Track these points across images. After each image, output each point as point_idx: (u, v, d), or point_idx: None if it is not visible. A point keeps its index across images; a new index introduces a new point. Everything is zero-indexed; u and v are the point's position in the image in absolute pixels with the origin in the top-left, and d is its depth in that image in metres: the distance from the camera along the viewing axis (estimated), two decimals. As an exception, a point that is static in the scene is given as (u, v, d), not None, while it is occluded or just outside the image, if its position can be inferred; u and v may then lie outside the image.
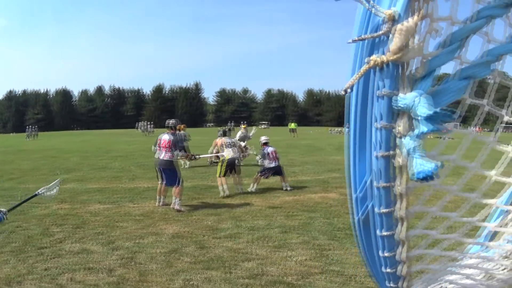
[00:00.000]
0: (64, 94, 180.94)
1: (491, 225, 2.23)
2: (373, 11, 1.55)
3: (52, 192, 7.13)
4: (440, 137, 1.67)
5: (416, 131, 1.51)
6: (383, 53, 1.55)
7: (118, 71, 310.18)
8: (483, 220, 2.29)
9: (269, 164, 18.00)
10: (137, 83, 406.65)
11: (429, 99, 1.48)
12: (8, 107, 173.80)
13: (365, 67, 1.59)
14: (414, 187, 1.71)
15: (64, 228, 11.63)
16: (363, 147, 1.81)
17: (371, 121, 1.69)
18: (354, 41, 1.67)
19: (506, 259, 2.50)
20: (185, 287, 7.81)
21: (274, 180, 18.70)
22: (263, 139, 19.19)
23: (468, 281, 2.49)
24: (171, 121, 15.09)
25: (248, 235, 10.92)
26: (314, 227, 11.80)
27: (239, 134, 27.88)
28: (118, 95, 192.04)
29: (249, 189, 17.58)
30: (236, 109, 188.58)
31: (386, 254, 1.93)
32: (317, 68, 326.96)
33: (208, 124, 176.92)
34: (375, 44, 1.62)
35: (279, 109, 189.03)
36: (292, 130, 73.69)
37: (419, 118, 1.46)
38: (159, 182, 14.64)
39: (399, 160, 1.64)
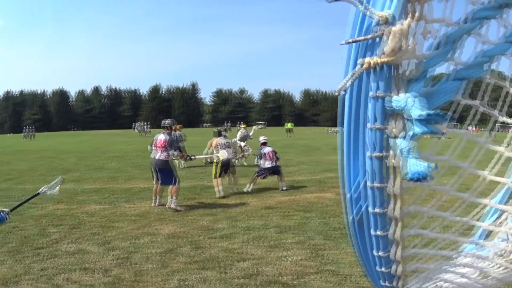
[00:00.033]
0: (61, 95, 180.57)
1: (485, 224, 2.25)
2: (367, 14, 1.57)
3: (54, 190, 7.18)
4: (438, 137, 1.69)
5: (410, 132, 1.53)
6: (376, 55, 1.57)
7: (115, 72, 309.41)
8: (478, 219, 2.31)
9: (266, 164, 18.00)
10: (133, 84, 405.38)
11: (422, 100, 1.49)
12: (5, 108, 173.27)
13: (358, 68, 1.61)
14: (408, 187, 1.73)
15: (60, 228, 11.67)
16: (356, 148, 1.82)
17: (364, 122, 1.70)
18: (347, 42, 1.69)
19: (500, 258, 2.53)
20: (180, 287, 7.85)
21: (270, 180, 18.74)
22: (261, 139, 19.27)
23: (463, 280, 2.51)
24: (167, 121, 15.17)
25: (243, 235, 10.94)
26: (310, 227, 11.82)
27: (239, 134, 27.68)
28: (115, 95, 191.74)
29: (245, 189, 17.60)
30: (232, 110, 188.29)
31: (380, 254, 1.95)
32: (314, 68, 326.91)
33: (205, 125, 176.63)
34: (368, 46, 1.63)
35: (276, 109, 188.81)
36: (289, 130, 73.63)
37: (412, 119, 1.47)
38: (155, 182, 14.71)
39: (392, 161, 1.66)
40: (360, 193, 1.89)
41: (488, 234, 2.63)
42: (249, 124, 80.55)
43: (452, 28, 1.64)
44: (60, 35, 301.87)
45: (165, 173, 14.44)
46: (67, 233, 11.16)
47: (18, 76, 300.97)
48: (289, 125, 78.33)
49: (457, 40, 1.64)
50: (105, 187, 18.68)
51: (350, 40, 1.66)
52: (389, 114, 1.60)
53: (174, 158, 15.06)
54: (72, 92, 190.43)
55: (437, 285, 2.55)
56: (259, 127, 72.71)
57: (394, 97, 1.55)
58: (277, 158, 18.67)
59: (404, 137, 1.54)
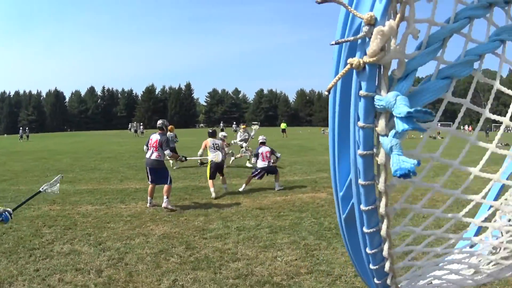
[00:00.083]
0: (56, 95, 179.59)
1: (476, 221, 2.25)
2: (354, 13, 1.61)
3: (54, 188, 7.25)
4: (434, 137, 1.74)
5: (392, 131, 1.57)
6: (363, 55, 1.61)
7: (110, 72, 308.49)
8: (472, 216, 2.34)
9: (260, 164, 18.06)
10: (128, 84, 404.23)
11: (404, 99, 1.49)
12: (1, 109, 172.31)
13: (345, 68, 1.67)
14: (397, 184, 1.77)
15: (54, 229, 11.66)
16: (346, 146, 1.84)
17: (353, 120, 1.72)
18: (336, 43, 1.75)
19: (492, 254, 2.58)
20: (172, 288, 7.90)
21: (264, 181, 18.76)
22: (260, 138, 19.33)
23: (455, 277, 2.53)
24: (159, 121, 15.30)
25: (236, 236, 10.97)
26: (303, 227, 11.85)
27: (239, 134, 27.53)
28: (110, 96, 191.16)
29: (240, 189, 17.67)
30: (227, 110, 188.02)
31: (371, 251, 1.97)
32: (308, 68, 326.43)
33: (200, 125, 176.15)
34: (356, 46, 1.64)
35: (270, 110, 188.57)
36: (283, 131, 73.48)
37: (397, 116, 1.51)
38: (149, 182, 14.76)
39: (381, 158, 1.68)
40: (351, 191, 1.91)
41: (479, 231, 2.67)
42: (245, 124, 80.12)
43: (438, 28, 1.69)
44: (55, 36, 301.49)
45: (157, 172, 14.55)
46: (61, 234, 11.16)
47: (14, 77, 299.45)
48: (282, 125, 78.18)
49: (444, 39, 1.68)
50: (99, 188, 18.64)
51: (338, 41, 1.70)
52: (378, 112, 1.62)
53: (168, 158, 15.14)
54: (67, 92, 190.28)
55: (431, 283, 2.57)
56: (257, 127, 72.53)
57: (377, 96, 1.58)
58: (276, 158, 18.77)
59: (391, 135, 1.57)
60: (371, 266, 2.06)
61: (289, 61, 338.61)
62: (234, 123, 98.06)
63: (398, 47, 1.55)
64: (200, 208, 14.30)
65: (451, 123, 1.94)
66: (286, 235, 10.99)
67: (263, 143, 18.78)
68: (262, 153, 18.11)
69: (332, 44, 1.76)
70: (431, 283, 2.59)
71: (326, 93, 1.78)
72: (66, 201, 15.45)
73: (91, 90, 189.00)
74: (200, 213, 13.61)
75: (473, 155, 2.04)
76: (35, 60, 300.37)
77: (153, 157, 14.47)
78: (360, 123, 1.66)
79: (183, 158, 16.23)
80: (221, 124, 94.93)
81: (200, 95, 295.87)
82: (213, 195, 16.24)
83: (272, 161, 18.32)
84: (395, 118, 1.51)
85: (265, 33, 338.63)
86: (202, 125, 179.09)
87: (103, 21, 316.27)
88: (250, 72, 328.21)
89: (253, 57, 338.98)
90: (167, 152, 14.46)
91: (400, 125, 1.49)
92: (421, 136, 1.79)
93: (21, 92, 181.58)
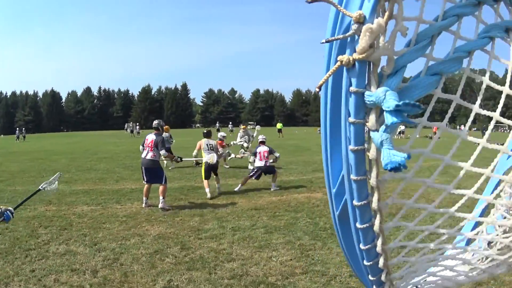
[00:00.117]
0: (53, 96, 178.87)
1: (469, 216, 2.25)
2: (343, 12, 1.62)
3: (53, 186, 7.26)
4: (431, 137, 1.74)
5: (383, 126, 1.58)
6: (353, 53, 1.61)
7: (106, 72, 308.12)
8: (469, 212, 2.33)
9: (257, 163, 18.15)
10: (124, 84, 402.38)
11: (393, 94, 1.50)
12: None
13: (335, 66, 1.67)
14: (390, 179, 1.77)
15: (50, 229, 11.65)
16: (338, 142, 1.86)
17: (344, 116, 1.73)
18: (326, 41, 1.75)
19: (487, 250, 2.58)
20: (167, 288, 7.90)
21: (260, 181, 18.75)
22: (260, 137, 19.38)
23: (450, 273, 2.53)
24: (155, 122, 15.36)
25: (231, 236, 10.97)
26: (298, 227, 11.86)
27: (239, 135, 27.32)
28: (106, 96, 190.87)
29: (235, 189, 17.72)
30: (223, 110, 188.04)
31: (365, 247, 1.98)
32: (305, 68, 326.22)
33: (196, 125, 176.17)
34: (346, 44, 1.66)
35: (266, 110, 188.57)
36: (279, 131, 73.49)
37: (386, 110, 1.51)
38: (144, 182, 14.79)
39: (372, 153, 1.69)
40: (343, 187, 1.92)
41: (476, 227, 2.67)
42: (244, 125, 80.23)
43: (427, 25, 1.69)
44: (51, 36, 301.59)
45: (152, 172, 14.59)
46: (56, 235, 11.15)
47: (10, 77, 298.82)
48: (278, 125, 78.24)
49: (433, 37, 1.69)
50: (94, 188, 18.62)
51: (329, 39, 1.71)
52: (369, 109, 1.64)
53: (163, 159, 15.16)
54: (64, 93, 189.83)
55: (426, 280, 2.57)
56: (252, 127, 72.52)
57: (367, 92, 1.58)
58: (275, 158, 18.81)
59: (381, 130, 1.57)
60: (365, 263, 2.07)
61: (285, 61, 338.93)
62: (230, 123, 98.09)
63: (387, 44, 1.56)
64: (196, 208, 14.30)
65: (447, 123, 1.94)
66: (281, 235, 10.99)
67: (262, 143, 18.80)
68: (260, 152, 18.17)
69: (323, 43, 1.77)
70: (426, 280, 2.60)
71: (317, 89, 1.79)
72: (62, 201, 15.45)
73: (88, 90, 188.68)
74: (196, 213, 13.61)
75: (470, 155, 2.02)
76: (32, 61, 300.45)
77: (149, 157, 14.52)
78: (351, 119, 1.67)
79: (179, 159, 16.24)
80: (217, 124, 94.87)
81: (196, 95, 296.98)
82: (208, 195, 16.23)
83: (271, 160, 18.37)
84: (384, 113, 1.52)
85: (262, 33, 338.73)
86: (198, 125, 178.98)
87: (100, 22, 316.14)
88: (246, 72, 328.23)
89: (249, 57, 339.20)
90: (162, 152, 14.49)
91: (389, 118, 1.50)
92: (417, 136, 1.79)
93: (18, 92, 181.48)
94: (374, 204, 1.81)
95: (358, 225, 1.91)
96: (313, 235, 11.02)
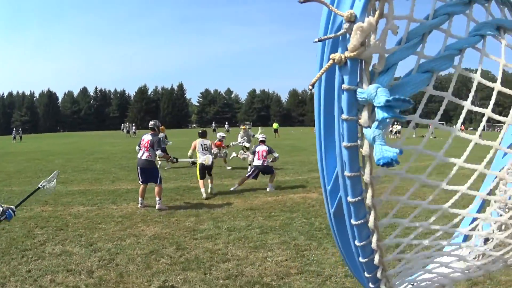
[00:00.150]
0: (49, 96, 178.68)
1: (463, 212, 2.25)
2: (335, 11, 1.63)
3: (51, 184, 7.32)
4: (423, 136, 1.74)
5: (375, 122, 1.59)
6: (345, 51, 1.63)
7: (102, 72, 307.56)
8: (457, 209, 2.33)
9: (255, 162, 18.24)
10: (121, 85, 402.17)
11: (385, 90, 1.52)
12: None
13: (327, 64, 1.69)
14: (382, 175, 1.78)
15: (46, 230, 11.67)
16: (332, 139, 1.86)
17: (337, 113, 1.74)
18: (319, 40, 1.77)
19: (483, 247, 2.58)
20: (163, 288, 7.90)
21: (256, 181, 18.75)
22: (260, 137, 19.54)
23: (446, 270, 2.52)
24: (151, 122, 15.37)
25: (227, 236, 10.98)
26: (294, 227, 11.86)
27: (240, 135, 27.12)
28: (103, 96, 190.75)
29: (232, 188, 17.81)
30: (219, 110, 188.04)
31: (360, 244, 1.98)
32: (301, 68, 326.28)
33: (192, 125, 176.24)
34: (338, 43, 1.68)
35: (263, 110, 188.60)
36: (275, 131, 73.58)
37: (378, 106, 1.52)
38: (140, 182, 14.81)
39: (365, 150, 1.70)
40: (338, 184, 1.93)
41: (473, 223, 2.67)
42: (237, 124, 79.83)
43: (417, 24, 1.71)
44: (48, 36, 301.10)
45: (148, 172, 14.64)
46: (52, 235, 11.16)
47: (7, 78, 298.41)
48: (274, 125, 78.32)
49: (424, 35, 1.70)
50: (91, 189, 18.65)
51: (321, 38, 1.72)
52: (361, 106, 1.64)
53: (158, 159, 15.19)
54: (60, 93, 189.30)
55: (422, 277, 2.58)
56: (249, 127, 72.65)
57: (359, 90, 1.60)
58: (274, 158, 18.94)
59: (373, 126, 1.58)
60: (361, 259, 2.07)
61: (281, 61, 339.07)
62: (227, 123, 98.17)
63: (378, 42, 1.57)
64: (191, 209, 14.33)
65: (444, 122, 1.94)
66: (276, 236, 11.00)
67: (262, 142, 18.89)
68: (258, 152, 18.26)
69: (315, 42, 1.78)
70: (422, 277, 2.60)
71: (310, 87, 1.80)
72: (58, 202, 15.48)
73: (84, 90, 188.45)
74: (191, 213, 13.63)
75: (472, 155, 2.02)
76: (28, 61, 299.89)
77: (144, 157, 14.58)
78: (344, 116, 1.68)
79: (174, 160, 16.26)
80: (213, 125, 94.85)
81: (193, 96, 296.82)
82: (204, 195, 16.26)
83: (270, 160, 18.47)
84: (376, 109, 1.53)
85: (258, 33, 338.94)
86: (194, 125, 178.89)
87: (96, 22, 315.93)
88: (243, 72, 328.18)
89: (245, 57, 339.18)
90: (158, 152, 14.51)
91: (380, 114, 1.51)
92: (414, 136, 1.80)
93: (14, 93, 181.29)
94: (368, 200, 1.82)
95: (353, 222, 1.92)
96: (309, 235, 11.02)
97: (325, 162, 2.03)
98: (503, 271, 7.93)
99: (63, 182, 20.07)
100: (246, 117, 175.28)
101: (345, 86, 1.63)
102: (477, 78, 1.89)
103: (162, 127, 22.99)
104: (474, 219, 2.64)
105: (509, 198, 2.44)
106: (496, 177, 2.54)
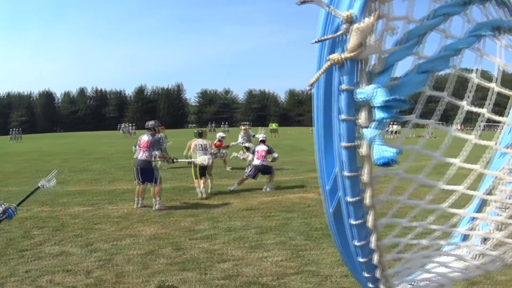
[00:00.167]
0: (47, 96, 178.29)
1: (461, 211, 2.25)
2: (332, 13, 1.64)
3: (51, 183, 7.30)
4: (421, 136, 1.74)
5: (374, 123, 1.59)
6: (343, 52, 1.64)
7: (100, 73, 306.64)
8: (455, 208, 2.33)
9: (255, 161, 18.25)
10: (119, 85, 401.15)
11: (384, 91, 1.54)
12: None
13: (326, 64, 1.69)
14: (381, 175, 1.78)
15: (44, 230, 11.67)
16: (331, 140, 1.88)
17: (336, 114, 1.75)
18: (317, 41, 1.77)
19: (482, 246, 2.59)
20: (160, 289, 7.89)
21: (254, 181, 18.70)
22: (260, 136, 19.56)
23: (445, 269, 2.54)
24: (150, 122, 15.33)
25: (224, 236, 10.97)
26: (291, 227, 11.85)
27: (240, 136, 27.22)
28: (100, 96, 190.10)
29: (231, 188, 17.79)
30: (217, 110, 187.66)
31: (359, 243, 1.98)
32: (299, 68, 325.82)
33: (190, 125, 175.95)
34: (336, 44, 1.69)
35: (261, 110, 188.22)
36: (274, 131, 73.42)
37: (376, 106, 1.52)
38: (137, 183, 14.79)
39: (364, 150, 1.70)
40: (336, 184, 1.94)
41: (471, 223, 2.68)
42: (236, 124, 79.66)
43: (415, 25, 1.71)
44: (46, 36, 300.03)
45: (146, 172, 14.58)
46: (50, 235, 11.17)
47: (5, 78, 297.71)
48: (273, 126, 78.23)
49: (421, 36, 1.70)
50: (88, 189, 18.65)
51: (320, 39, 1.73)
52: (359, 106, 1.65)
53: (156, 159, 15.16)
54: (58, 93, 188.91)
55: (421, 277, 2.58)
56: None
57: (357, 90, 1.60)
58: (274, 158, 18.91)
59: (372, 126, 1.58)
60: (360, 259, 2.08)
61: (280, 61, 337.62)
62: (224, 123, 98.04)
63: (376, 43, 1.57)
64: (189, 209, 14.33)
65: (443, 122, 1.95)
66: (274, 236, 11.00)
67: (262, 141, 18.88)
68: (257, 151, 18.29)
69: (313, 43, 1.79)
70: (421, 276, 2.61)
71: (309, 87, 1.80)
72: (55, 202, 15.45)
73: (82, 91, 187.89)
74: (189, 213, 13.63)
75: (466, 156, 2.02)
76: (26, 61, 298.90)
77: (142, 157, 14.55)
78: (342, 116, 1.69)
79: (172, 160, 16.24)
80: (210, 125, 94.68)
81: (191, 96, 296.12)
82: (199, 195, 16.27)
83: (269, 160, 18.46)
84: (374, 109, 1.53)
85: (256, 33, 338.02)
86: (192, 125, 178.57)
87: (94, 22, 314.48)
88: (241, 72, 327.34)
89: (243, 57, 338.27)
90: (156, 152, 14.48)
91: (378, 114, 1.51)
92: (412, 136, 1.81)
93: (12, 93, 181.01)
94: (368, 200, 1.83)
95: (352, 222, 1.92)
96: (306, 235, 11.02)
97: (324, 162, 2.03)
98: (501, 271, 7.93)
99: (61, 183, 19.94)
100: (244, 117, 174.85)
101: (343, 86, 1.63)
102: (474, 79, 1.89)
103: (162, 127, 23.01)
104: (473, 219, 2.65)
105: (507, 198, 2.45)
106: (494, 177, 2.54)
